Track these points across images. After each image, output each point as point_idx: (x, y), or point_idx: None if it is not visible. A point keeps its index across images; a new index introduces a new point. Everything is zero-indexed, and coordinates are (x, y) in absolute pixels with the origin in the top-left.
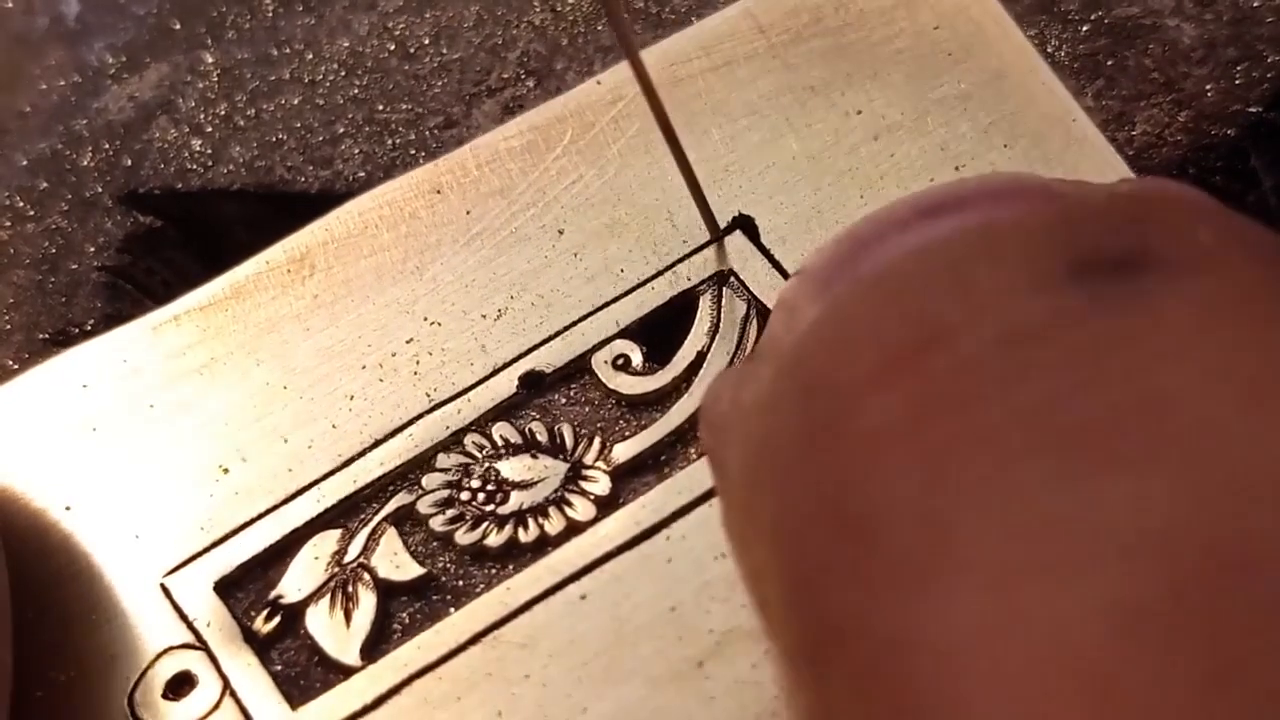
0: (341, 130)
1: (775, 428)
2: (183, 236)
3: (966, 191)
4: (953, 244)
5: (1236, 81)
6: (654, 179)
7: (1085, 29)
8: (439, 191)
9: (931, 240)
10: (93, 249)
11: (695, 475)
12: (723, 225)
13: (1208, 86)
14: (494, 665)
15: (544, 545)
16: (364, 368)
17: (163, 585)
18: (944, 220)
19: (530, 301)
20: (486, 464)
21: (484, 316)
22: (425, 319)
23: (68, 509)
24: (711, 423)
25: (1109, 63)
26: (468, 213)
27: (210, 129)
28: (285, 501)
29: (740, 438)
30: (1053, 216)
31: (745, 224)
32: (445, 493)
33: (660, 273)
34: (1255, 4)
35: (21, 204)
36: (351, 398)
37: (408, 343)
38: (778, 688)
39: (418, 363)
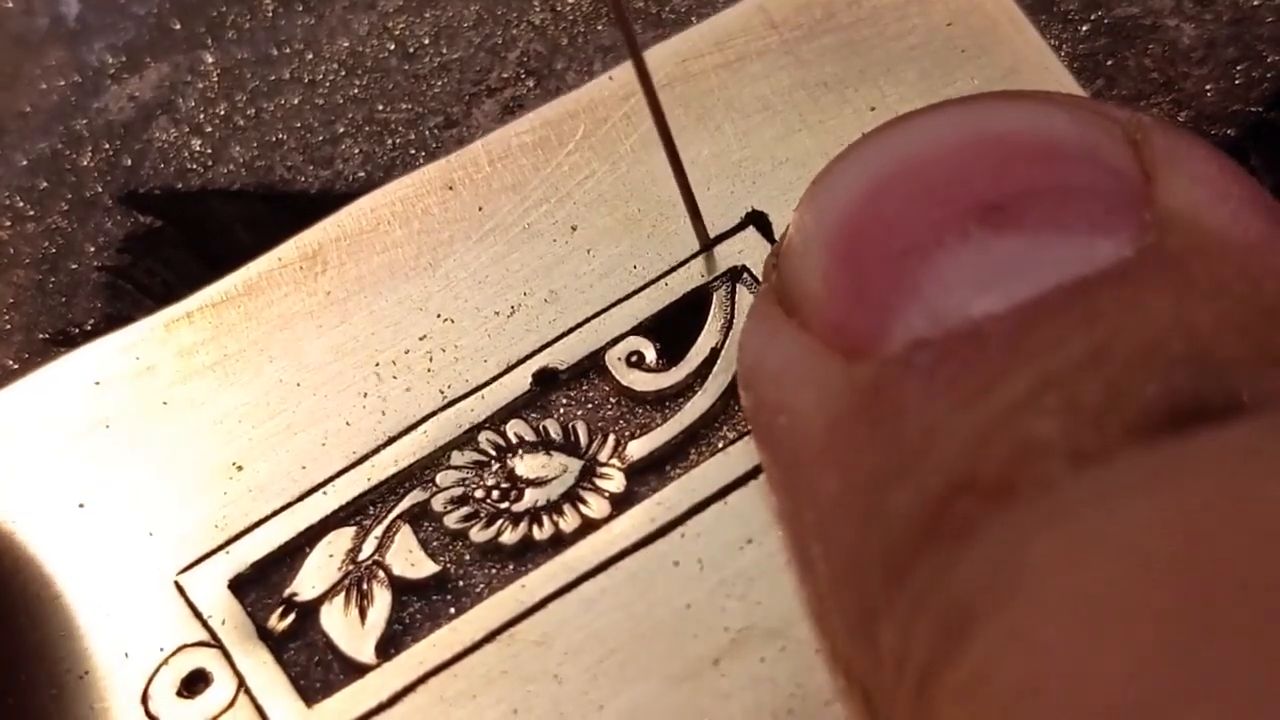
0: (341, 130)
1: None
2: (183, 236)
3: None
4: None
5: (1236, 81)
6: (667, 175)
7: (1085, 29)
8: (451, 188)
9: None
10: (93, 249)
11: (710, 472)
12: (736, 221)
13: (1207, 86)
14: (509, 663)
15: (559, 542)
16: (377, 365)
17: (177, 583)
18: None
19: (543, 298)
20: (501, 461)
21: (497, 313)
22: (438, 316)
23: (81, 506)
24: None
25: (1109, 63)
26: (480, 209)
27: (210, 129)
28: (299, 499)
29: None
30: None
31: (758, 220)
32: (460, 490)
33: (673, 269)
34: (1255, 4)
35: (21, 204)
36: (365, 395)
37: (421, 339)
38: (794, 685)
39: (431, 360)
